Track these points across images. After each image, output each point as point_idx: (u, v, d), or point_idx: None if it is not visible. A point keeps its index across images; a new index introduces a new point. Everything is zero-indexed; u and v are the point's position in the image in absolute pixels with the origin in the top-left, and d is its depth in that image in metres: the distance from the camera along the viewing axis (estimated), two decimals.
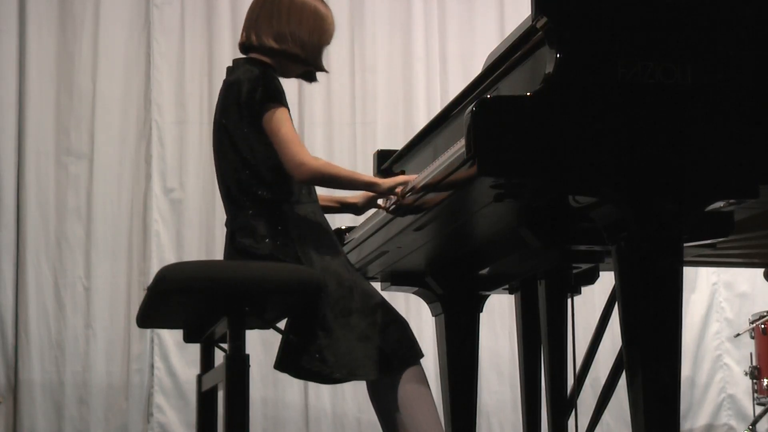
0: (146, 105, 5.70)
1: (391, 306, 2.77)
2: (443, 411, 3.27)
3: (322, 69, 2.91)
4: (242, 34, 2.90)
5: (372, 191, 2.79)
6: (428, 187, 2.46)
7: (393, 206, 2.74)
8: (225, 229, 2.86)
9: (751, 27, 2.32)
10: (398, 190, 2.70)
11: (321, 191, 2.90)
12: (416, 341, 2.75)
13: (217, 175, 2.87)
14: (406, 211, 2.65)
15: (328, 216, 2.90)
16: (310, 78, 2.97)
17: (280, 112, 2.72)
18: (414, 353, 2.73)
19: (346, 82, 5.78)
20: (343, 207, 3.11)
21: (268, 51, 2.84)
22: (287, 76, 2.91)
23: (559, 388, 2.85)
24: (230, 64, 2.93)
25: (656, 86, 2.21)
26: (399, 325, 2.74)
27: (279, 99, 2.73)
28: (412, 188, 2.61)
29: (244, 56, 2.89)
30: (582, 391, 3.09)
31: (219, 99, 2.88)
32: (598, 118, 2.19)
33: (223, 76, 2.93)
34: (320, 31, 2.86)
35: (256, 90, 2.73)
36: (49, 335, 5.45)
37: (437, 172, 2.42)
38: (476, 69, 3.09)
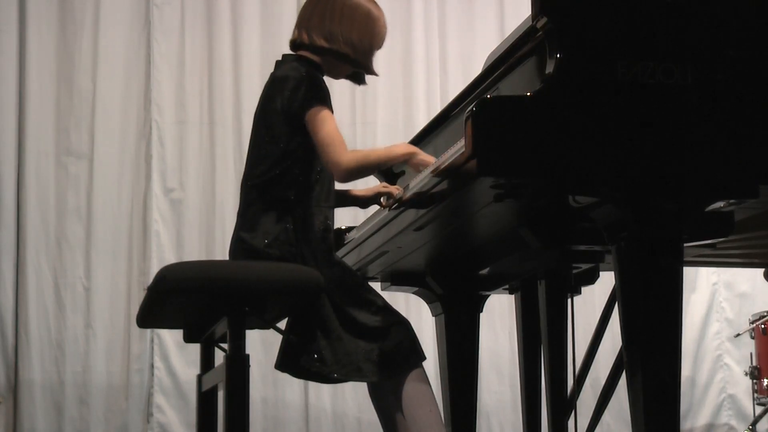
0: (146, 105, 5.70)
1: (392, 308, 2.77)
2: (443, 411, 3.27)
3: (371, 72, 2.90)
4: (294, 31, 2.88)
5: (409, 161, 2.78)
6: (428, 187, 2.46)
7: (395, 203, 2.74)
8: (226, 229, 2.86)
9: (751, 27, 2.32)
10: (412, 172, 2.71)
11: None
12: (418, 343, 2.75)
13: (245, 167, 2.86)
14: (407, 208, 2.65)
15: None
16: (359, 80, 2.97)
17: (324, 112, 2.71)
18: (416, 356, 2.72)
19: (346, 82, 5.76)
20: (348, 201, 3.11)
21: (318, 50, 2.83)
22: (335, 76, 2.91)
23: (559, 388, 2.85)
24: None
25: (656, 86, 2.21)
26: (401, 328, 2.73)
27: (323, 100, 2.72)
28: (413, 187, 2.61)
29: (292, 53, 2.88)
30: (582, 391, 3.09)
31: (263, 91, 2.86)
32: (598, 118, 2.18)
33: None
34: (372, 33, 2.85)
35: (299, 89, 2.72)
36: (49, 335, 5.45)
37: (437, 171, 2.42)
38: (476, 69, 3.09)
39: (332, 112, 2.75)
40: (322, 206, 2.80)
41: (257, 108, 2.86)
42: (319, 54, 2.83)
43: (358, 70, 2.90)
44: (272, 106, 2.78)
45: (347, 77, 2.95)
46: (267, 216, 2.75)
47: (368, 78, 2.97)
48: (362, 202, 3.09)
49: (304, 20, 2.87)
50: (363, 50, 2.85)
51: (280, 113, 2.75)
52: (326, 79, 2.85)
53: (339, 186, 3.06)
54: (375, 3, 2.88)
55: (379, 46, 2.89)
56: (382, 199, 3.00)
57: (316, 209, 2.78)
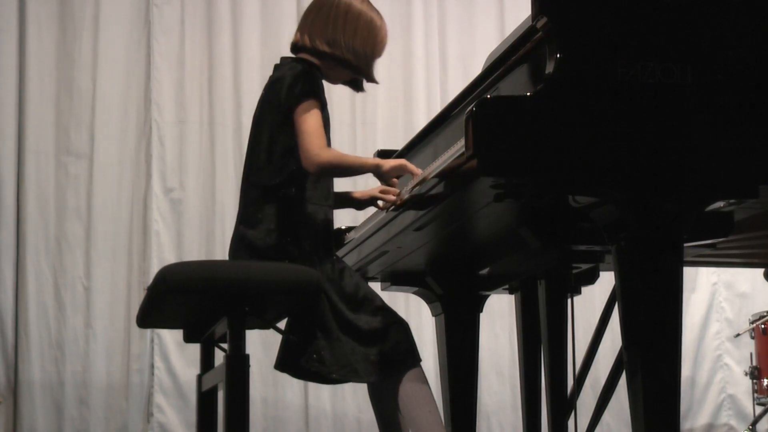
0: (146, 105, 5.70)
1: (391, 309, 2.78)
2: (443, 411, 3.27)
3: (372, 79, 2.93)
4: (296, 34, 2.91)
5: (376, 172, 2.80)
6: (428, 187, 2.46)
7: (392, 206, 2.74)
8: (226, 229, 2.87)
9: (751, 27, 2.32)
10: (407, 168, 2.73)
11: None
12: (415, 344, 2.76)
13: (244, 167, 2.88)
14: (405, 209, 2.65)
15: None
16: (357, 87, 2.99)
17: (311, 105, 2.73)
18: (413, 357, 2.74)
19: (374, 83, 5.76)
20: (345, 202, 3.12)
21: (319, 54, 2.85)
22: (333, 81, 2.93)
23: (559, 388, 2.85)
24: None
25: (656, 86, 2.21)
26: (399, 328, 2.74)
27: (316, 95, 2.75)
28: (412, 187, 2.61)
29: (292, 56, 2.90)
30: (582, 391, 3.09)
31: (262, 94, 2.89)
32: (598, 118, 2.18)
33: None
34: (374, 42, 2.88)
35: (296, 85, 2.75)
36: (49, 335, 5.45)
37: (437, 171, 2.42)
38: (476, 69, 3.09)
39: (325, 107, 2.77)
40: (323, 204, 2.81)
41: (256, 110, 2.88)
42: (320, 58, 2.86)
43: (358, 77, 2.93)
44: (270, 106, 2.81)
45: (345, 83, 2.97)
46: (269, 213, 2.76)
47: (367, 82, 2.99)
48: (359, 203, 3.10)
49: (306, 24, 2.89)
50: (365, 57, 2.88)
51: (277, 112, 2.77)
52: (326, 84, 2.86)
53: (337, 188, 3.06)
54: (378, 12, 2.91)
55: (380, 55, 2.92)
56: (380, 202, 3.00)
57: (317, 207, 2.79)
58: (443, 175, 2.35)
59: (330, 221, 2.83)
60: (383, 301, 2.78)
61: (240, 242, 2.79)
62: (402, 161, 2.80)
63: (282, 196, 2.76)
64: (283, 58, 2.90)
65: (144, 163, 5.66)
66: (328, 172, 2.77)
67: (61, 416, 5.41)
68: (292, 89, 2.74)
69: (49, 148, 5.59)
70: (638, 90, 2.21)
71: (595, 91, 2.20)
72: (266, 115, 2.81)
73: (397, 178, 2.86)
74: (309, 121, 2.72)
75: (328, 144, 2.80)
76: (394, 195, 2.80)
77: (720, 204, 2.29)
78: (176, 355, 5.51)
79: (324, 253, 2.76)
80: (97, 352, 5.47)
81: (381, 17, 2.91)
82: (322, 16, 2.87)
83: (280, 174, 2.76)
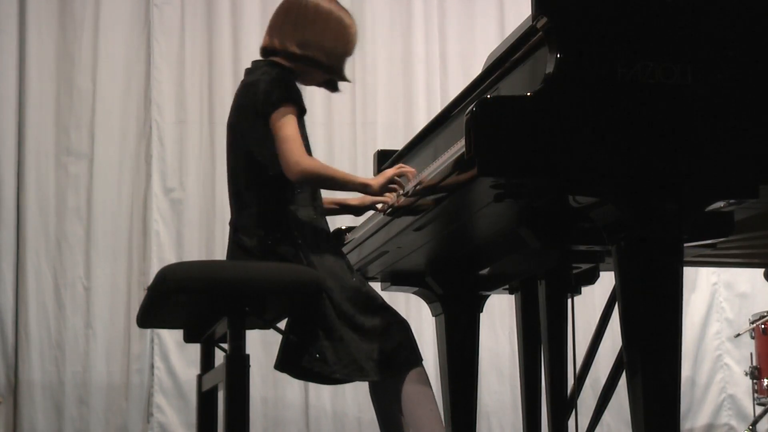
0: (146, 105, 5.70)
1: (392, 308, 2.78)
2: (443, 411, 3.26)
3: (344, 78, 2.91)
4: (265, 37, 2.90)
5: (366, 193, 2.79)
6: (428, 188, 2.46)
7: (390, 208, 2.74)
8: (226, 229, 2.87)
9: (751, 27, 2.32)
10: (394, 186, 2.71)
11: (322, 194, 2.91)
12: (416, 345, 2.76)
13: (228, 173, 2.87)
14: (405, 213, 2.65)
15: (327, 217, 2.91)
16: (332, 87, 2.97)
17: (287, 111, 2.71)
18: (415, 355, 2.74)
19: (345, 83, 5.77)
20: (343, 209, 3.12)
21: (290, 56, 2.84)
22: (307, 83, 2.92)
23: (559, 388, 2.85)
24: (230, 64, 2.94)
25: (656, 86, 2.21)
26: (401, 327, 2.75)
27: (293, 100, 2.74)
28: (412, 188, 2.61)
29: (263, 59, 2.89)
30: (582, 391, 3.09)
31: (235, 99, 2.88)
32: (598, 118, 2.18)
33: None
34: (344, 40, 2.87)
35: (272, 92, 2.73)
36: (49, 335, 5.45)
37: (437, 172, 2.42)
38: (476, 69, 3.09)
39: (303, 112, 2.76)
40: (312, 204, 2.80)
41: (230, 115, 2.87)
42: (292, 61, 2.84)
43: (331, 76, 2.91)
44: (245, 111, 2.79)
45: (320, 85, 2.95)
46: (261, 218, 2.75)
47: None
48: (356, 210, 3.10)
49: (275, 27, 2.88)
50: (336, 56, 2.87)
51: (254, 118, 2.76)
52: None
53: (335, 194, 3.06)
54: (346, 11, 2.90)
55: (351, 53, 2.91)
56: (379, 206, 3.00)
57: (307, 208, 2.78)
58: (444, 176, 2.35)
59: (322, 220, 2.83)
60: (384, 300, 2.78)
61: (236, 248, 2.79)
62: (393, 171, 2.75)
63: (272, 200, 2.75)
64: (254, 62, 2.89)
65: (144, 163, 5.66)
66: (309, 181, 2.74)
67: (61, 416, 5.41)
68: (268, 95, 2.73)
69: (49, 148, 5.60)
70: (638, 90, 2.21)
71: (595, 91, 2.20)
72: (242, 120, 2.80)
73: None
74: (285, 128, 2.70)
75: (308, 149, 2.78)
76: (390, 198, 2.80)
77: (720, 204, 2.29)
78: (176, 355, 5.51)
79: (323, 251, 2.76)
80: (97, 352, 5.48)
81: (350, 16, 2.90)
82: (292, 17, 2.86)
83: (265, 178, 2.76)
